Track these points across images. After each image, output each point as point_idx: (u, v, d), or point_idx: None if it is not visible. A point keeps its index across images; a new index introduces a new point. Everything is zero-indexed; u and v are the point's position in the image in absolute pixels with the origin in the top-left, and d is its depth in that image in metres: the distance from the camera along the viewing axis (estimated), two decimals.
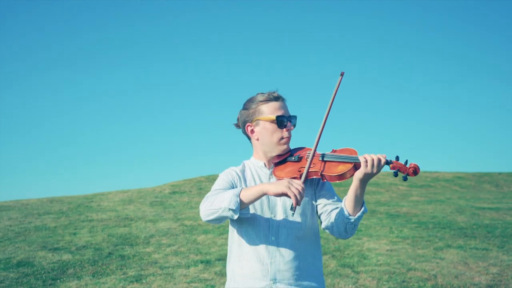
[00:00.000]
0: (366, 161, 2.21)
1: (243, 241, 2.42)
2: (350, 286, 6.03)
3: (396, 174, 2.25)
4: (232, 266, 2.47)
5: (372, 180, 17.55)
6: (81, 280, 6.36)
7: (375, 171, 2.21)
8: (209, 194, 2.37)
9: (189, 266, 6.88)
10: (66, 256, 7.50)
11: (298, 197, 2.12)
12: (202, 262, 7.07)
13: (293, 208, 2.19)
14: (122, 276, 6.47)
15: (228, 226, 2.50)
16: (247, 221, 2.40)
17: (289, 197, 2.14)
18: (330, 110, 2.33)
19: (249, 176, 2.49)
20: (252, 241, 2.39)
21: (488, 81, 19.71)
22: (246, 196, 2.20)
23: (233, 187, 2.44)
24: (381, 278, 6.31)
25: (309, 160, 2.32)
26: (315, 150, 2.33)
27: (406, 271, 6.62)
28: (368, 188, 16.01)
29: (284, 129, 2.42)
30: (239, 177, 2.47)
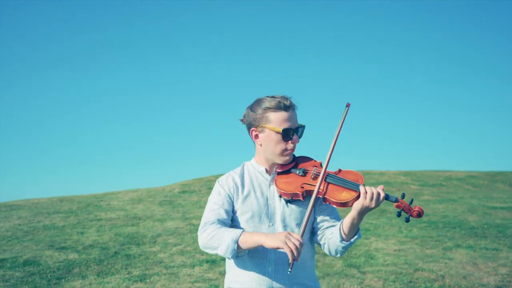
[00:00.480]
0: (366, 193, 2.15)
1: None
2: (355, 286, 5.95)
3: (399, 214, 2.19)
4: (230, 274, 2.42)
5: (382, 178, 17.40)
6: (86, 279, 6.35)
7: (373, 205, 2.15)
8: (206, 218, 2.32)
9: (194, 266, 6.85)
10: (72, 255, 7.51)
11: (295, 252, 2.05)
12: (207, 261, 7.04)
13: (289, 265, 2.13)
14: (126, 276, 6.45)
15: None
16: (245, 229, 2.34)
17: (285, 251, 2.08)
18: (337, 141, 2.28)
19: (247, 181, 2.41)
20: (250, 251, 2.34)
21: (501, 79, 19.45)
22: (243, 243, 2.15)
23: (230, 202, 2.36)
24: (387, 278, 6.22)
25: (314, 193, 2.23)
26: (320, 182, 2.25)
27: (413, 271, 6.52)
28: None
29: (289, 142, 2.33)
30: (236, 187, 2.39)
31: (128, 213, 11.29)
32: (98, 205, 12.48)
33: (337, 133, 2.28)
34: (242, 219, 2.33)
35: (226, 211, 2.33)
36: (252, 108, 2.42)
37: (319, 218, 2.39)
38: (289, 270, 2.12)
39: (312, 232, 2.42)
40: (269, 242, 2.08)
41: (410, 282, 6.11)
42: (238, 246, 2.15)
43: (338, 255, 2.32)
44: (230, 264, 2.40)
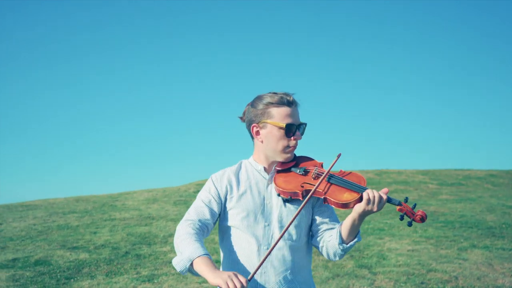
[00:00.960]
0: (368, 196, 2.08)
1: (234, 250, 2.30)
2: (365, 287, 5.84)
3: (402, 218, 2.13)
4: None
5: (400, 178, 17.18)
6: (94, 279, 6.35)
7: (375, 209, 2.09)
8: (189, 213, 2.26)
9: None
10: (83, 255, 7.52)
11: None
12: (217, 262, 6.98)
13: None
14: (135, 276, 6.43)
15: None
16: (240, 229, 2.26)
17: None
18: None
19: (244, 179, 2.34)
20: (244, 250, 2.26)
21: None
22: (197, 268, 2.04)
23: (218, 201, 2.29)
24: (399, 279, 6.09)
25: (312, 191, 2.17)
26: (321, 182, 2.19)
27: (426, 272, 6.37)
28: (396, 186, 15.68)
29: (292, 138, 2.26)
30: (230, 185, 2.32)
31: (142, 213, 11.31)
32: (113, 205, 12.53)
33: (324, 174, 2.21)
34: (237, 218, 2.26)
35: (211, 211, 2.26)
36: (253, 104, 2.34)
37: (318, 220, 2.31)
38: None
39: (309, 235, 2.34)
40: (211, 278, 1.97)
41: (422, 283, 5.97)
42: (192, 266, 2.05)
43: (337, 258, 2.24)
44: (223, 263, 2.34)
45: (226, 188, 2.31)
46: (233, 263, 2.26)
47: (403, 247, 7.70)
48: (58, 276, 6.48)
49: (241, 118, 2.42)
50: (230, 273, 1.96)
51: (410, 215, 2.11)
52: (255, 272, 2.05)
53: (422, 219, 2.10)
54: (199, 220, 2.21)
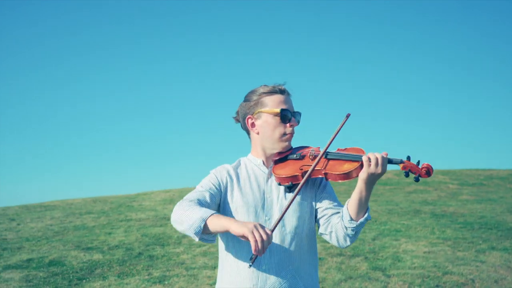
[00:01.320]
0: (369, 159, 2.02)
1: (232, 246, 2.25)
2: None
3: (407, 174, 2.06)
4: (222, 273, 2.30)
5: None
6: (106, 280, 6.35)
7: (379, 170, 2.01)
8: (188, 195, 2.20)
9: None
10: (96, 256, 7.54)
11: (259, 245, 1.87)
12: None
13: (251, 258, 1.99)
14: (146, 277, 6.41)
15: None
16: None
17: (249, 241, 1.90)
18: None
19: (243, 174, 2.30)
20: (243, 246, 2.20)
21: None
22: (212, 224, 2.00)
23: (218, 190, 2.26)
24: (413, 282, 5.96)
25: (318, 158, 2.13)
26: (325, 150, 2.15)
27: (442, 275, 6.23)
28: (415, 186, 15.45)
29: (288, 124, 2.23)
30: (230, 178, 2.28)
31: (158, 213, 11.32)
32: (130, 206, 12.58)
33: (331, 139, 2.16)
34: (236, 213, 2.21)
35: (211, 196, 2.20)
36: (245, 98, 2.35)
37: (322, 206, 2.25)
38: (250, 263, 1.98)
39: (312, 228, 2.27)
40: (235, 228, 1.92)
41: (437, 286, 5.83)
42: (206, 227, 2.00)
43: (348, 242, 2.15)
44: (222, 265, 2.28)
45: (226, 179, 2.28)
46: (232, 259, 2.21)
47: (419, 248, 7.55)
48: (71, 277, 6.50)
49: (235, 118, 2.40)
50: (256, 223, 1.92)
51: (416, 171, 2.03)
52: (275, 226, 2.02)
53: (428, 173, 2.03)
54: (198, 200, 2.15)
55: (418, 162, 2.05)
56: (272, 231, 1.98)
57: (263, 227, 1.91)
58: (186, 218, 2.04)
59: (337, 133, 2.16)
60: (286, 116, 2.22)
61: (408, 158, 2.06)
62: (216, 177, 2.28)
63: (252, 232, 1.88)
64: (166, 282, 6.18)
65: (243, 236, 1.90)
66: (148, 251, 7.81)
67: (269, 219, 2.20)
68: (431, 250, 7.46)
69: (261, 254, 1.89)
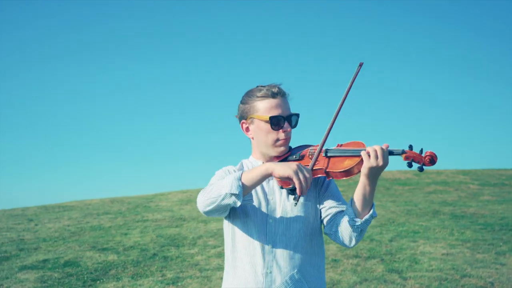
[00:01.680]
0: (368, 153, 1.95)
1: (237, 249, 2.20)
2: None
3: (410, 165, 1.97)
4: (227, 276, 2.25)
5: (439, 178, 16.68)
6: (120, 281, 6.34)
7: (380, 163, 1.94)
8: (206, 187, 2.16)
9: None
10: (111, 257, 7.55)
11: (304, 185, 1.91)
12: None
13: (296, 198, 1.98)
14: (160, 278, 6.39)
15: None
16: (243, 226, 2.17)
17: (293, 183, 1.93)
18: (344, 103, 2.08)
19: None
20: (246, 249, 2.16)
21: None
22: (249, 178, 1.97)
23: None
24: (430, 285, 5.83)
25: (318, 148, 2.08)
26: (324, 142, 2.09)
27: (460, 277, 6.08)
28: (435, 187, 15.22)
29: (280, 131, 2.16)
30: None
31: (174, 214, 11.33)
32: (146, 206, 12.61)
33: (346, 92, 2.08)
34: (240, 215, 2.17)
35: None
36: (242, 99, 2.29)
37: (326, 206, 2.19)
38: (295, 202, 1.99)
39: (318, 230, 2.21)
40: (278, 170, 1.93)
41: None
42: (244, 186, 1.97)
43: (353, 241, 2.08)
44: (228, 267, 2.24)
45: None
46: (237, 261, 2.17)
47: (437, 250, 7.40)
48: (85, 278, 6.51)
49: (237, 116, 2.35)
50: (299, 164, 1.95)
51: (419, 160, 1.95)
52: (314, 163, 2.06)
53: (432, 161, 1.95)
54: None
55: (421, 151, 1.96)
56: (312, 169, 2.04)
57: (304, 167, 1.95)
58: (217, 190, 2.00)
59: (351, 85, 2.07)
60: (277, 123, 2.15)
61: (410, 147, 1.98)
62: (226, 173, 2.26)
63: (297, 174, 1.91)
64: (180, 284, 6.15)
65: (288, 178, 1.92)
66: (163, 252, 7.79)
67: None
68: (449, 252, 7.31)
69: (305, 193, 1.94)
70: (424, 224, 9.50)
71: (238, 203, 1.97)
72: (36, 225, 10.47)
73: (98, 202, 13.54)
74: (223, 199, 1.97)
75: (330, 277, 6.17)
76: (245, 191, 1.98)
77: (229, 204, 1.98)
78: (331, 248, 7.47)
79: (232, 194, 1.96)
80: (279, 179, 2.11)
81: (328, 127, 2.08)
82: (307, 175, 1.92)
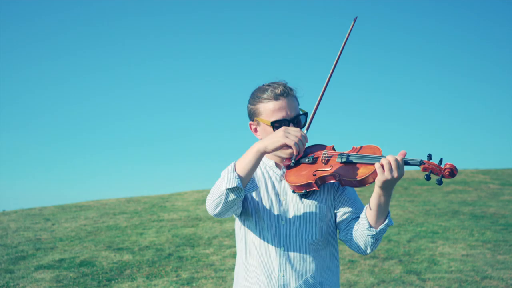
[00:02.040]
0: (382, 166, 1.85)
1: (249, 250, 2.14)
2: None
3: (428, 177, 1.85)
4: (238, 278, 2.19)
5: (459, 177, 16.42)
6: (134, 281, 6.31)
7: (395, 175, 1.84)
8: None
9: None
10: (127, 257, 7.53)
11: (300, 145, 1.87)
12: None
13: (294, 157, 1.98)
14: (175, 279, 6.35)
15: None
16: (254, 228, 2.11)
17: (289, 147, 1.89)
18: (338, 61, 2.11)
19: (259, 176, 2.19)
20: (258, 251, 2.10)
21: None
22: (243, 166, 1.91)
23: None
24: (450, 287, 5.70)
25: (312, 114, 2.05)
26: (319, 103, 2.07)
27: (481, 279, 5.94)
28: (454, 186, 14.99)
29: None
30: None
31: (190, 214, 11.30)
32: (162, 206, 12.61)
33: (342, 46, 2.09)
34: (252, 217, 2.11)
35: None
36: (249, 100, 2.22)
37: (341, 211, 2.11)
38: (292, 162, 1.99)
39: (333, 233, 2.13)
40: (270, 144, 1.89)
41: None
42: (241, 176, 1.90)
43: (369, 249, 2.01)
44: (238, 270, 2.18)
45: None
46: (249, 263, 2.12)
47: (457, 251, 7.25)
48: (100, 278, 6.50)
49: None
50: (281, 128, 1.92)
51: (438, 172, 1.85)
52: (310, 125, 2.07)
53: (452, 173, 1.84)
54: None
55: (441, 161, 1.85)
56: (307, 129, 2.04)
57: (291, 128, 1.91)
58: (217, 188, 1.95)
59: (346, 40, 2.08)
60: (280, 127, 2.05)
61: (429, 157, 1.87)
62: None
63: (288, 138, 1.87)
64: (194, 284, 6.10)
65: (282, 146, 1.88)
66: (178, 252, 7.75)
67: (285, 223, 2.08)
68: (469, 253, 7.16)
69: (302, 153, 1.94)
70: (443, 224, 9.33)
71: (243, 195, 1.92)
72: (53, 224, 10.52)
73: (115, 202, 13.57)
74: (226, 196, 1.91)
75: (347, 278, 6.07)
76: (244, 179, 1.91)
77: (235, 199, 1.92)
78: (347, 249, 7.36)
79: (231, 189, 1.89)
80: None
81: (322, 90, 2.06)
82: (298, 133, 1.88)
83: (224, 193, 1.90)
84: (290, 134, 1.86)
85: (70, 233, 9.50)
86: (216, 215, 1.99)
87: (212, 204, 1.96)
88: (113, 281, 6.35)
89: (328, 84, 2.09)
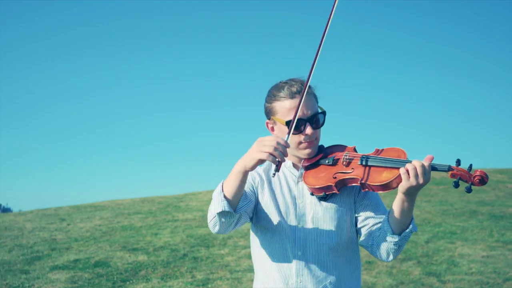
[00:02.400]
0: (407, 171, 1.75)
1: (265, 254, 2.06)
2: None
3: (457, 185, 1.75)
4: (257, 282, 2.12)
5: None
6: (149, 282, 6.27)
7: (421, 181, 1.74)
8: None
9: None
10: (141, 257, 7.50)
11: (276, 154, 1.70)
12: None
13: (275, 169, 1.75)
14: (190, 280, 6.29)
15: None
16: (270, 231, 2.02)
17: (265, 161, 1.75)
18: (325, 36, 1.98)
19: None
20: (275, 256, 2.02)
21: None
22: (228, 187, 1.82)
23: (252, 191, 2.07)
24: None
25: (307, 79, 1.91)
26: (312, 69, 1.92)
27: (502, 281, 5.80)
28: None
29: (301, 134, 1.99)
30: (261, 179, 2.09)
31: (205, 214, 11.24)
32: (177, 206, 12.57)
33: (327, 23, 1.98)
34: (267, 220, 2.03)
35: (247, 195, 1.97)
36: (265, 98, 2.13)
37: (362, 216, 2.01)
38: (273, 173, 1.76)
39: (354, 237, 2.04)
40: (247, 163, 1.74)
41: None
42: (227, 198, 1.81)
43: (391, 257, 1.92)
44: (257, 273, 2.11)
45: (257, 181, 2.08)
46: (266, 271, 2.03)
47: (477, 252, 7.10)
48: (115, 279, 6.46)
49: None
50: (258, 139, 1.76)
51: (467, 179, 1.74)
52: (292, 128, 1.87)
53: (482, 181, 1.72)
54: None
55: (470, 167, 1.75)
56: (289, 132, 1.84)
57: (264, 139, 1.74)
58: (211, 210, 1.87)
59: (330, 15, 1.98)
60: (296, 127, 1.95)
61: (458, 162, 1.76)
62: (248, 179, 2.09)
63: (262, 151, 1.71)
64: (209, 285, 6.03)
65: (259, 162, 1.73)
66: (193, 253, 7.70)
67: (302, 226, 2.00)
68: (489, 254, 7.01)
69: (283, 160, 1.72)
70: (461, 224, 9.17)
71: (236, 216, 1.85)
72: (68, 224, 10.53)
73: (129, 202, 13.57)
74: (219, 219, 1.85)
75: (364, 280, 5.96)
76: (233, 201, 1.83)
77: (230, 220, 1.86)
78: (363, 249, 7.25)
79: (220, 213, 1.82)
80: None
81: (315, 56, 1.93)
82: (272, 142, 1.71)
83: (217, 217, 1.85)
84: (265, 146, 1.72)
85: (85, 233, 9.49)
86: (217, 233, 1.95)
87: (210, 224, 1.92)
88: (127, 282, 6.31)
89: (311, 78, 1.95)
